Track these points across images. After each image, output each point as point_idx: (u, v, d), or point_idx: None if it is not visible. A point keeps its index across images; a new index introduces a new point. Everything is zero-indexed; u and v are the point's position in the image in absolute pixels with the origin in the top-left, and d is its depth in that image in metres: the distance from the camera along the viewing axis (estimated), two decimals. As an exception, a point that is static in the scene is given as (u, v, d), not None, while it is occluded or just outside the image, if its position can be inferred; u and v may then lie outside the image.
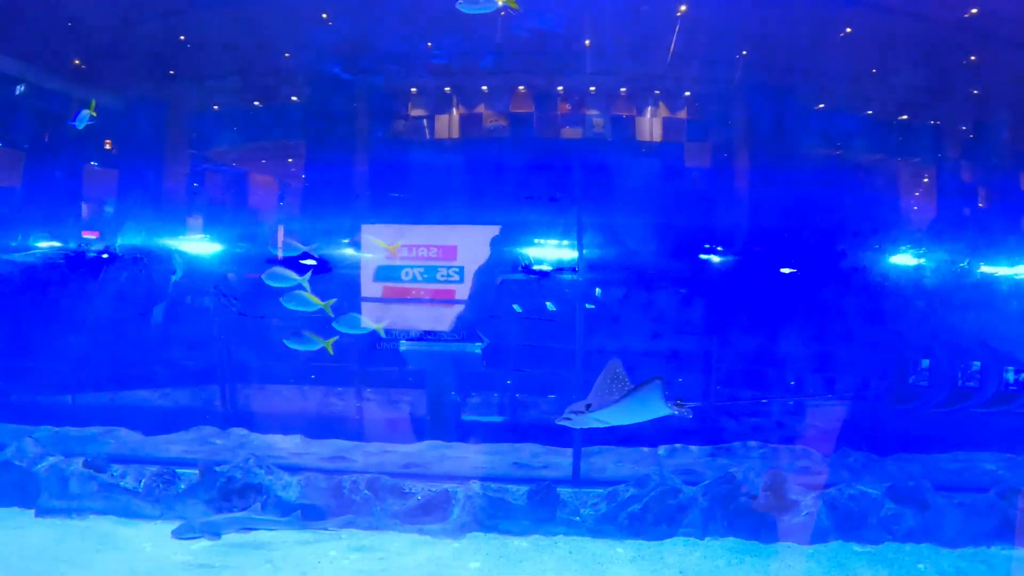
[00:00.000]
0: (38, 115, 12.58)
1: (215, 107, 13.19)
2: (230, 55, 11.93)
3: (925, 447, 9.80)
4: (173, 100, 12.73)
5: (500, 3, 6.91)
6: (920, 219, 12.57)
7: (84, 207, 12.61)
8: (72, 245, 11.62)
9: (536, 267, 11.74)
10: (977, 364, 10.86)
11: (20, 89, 11.97)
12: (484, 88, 13.43)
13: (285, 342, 8.60)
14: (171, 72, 12.59)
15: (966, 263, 11.29)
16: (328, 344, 8.55)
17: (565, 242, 11.83)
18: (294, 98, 13.09)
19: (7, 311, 11.42)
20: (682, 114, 13.20)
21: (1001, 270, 11.30)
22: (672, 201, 13.00)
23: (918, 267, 11.53)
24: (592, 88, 13.37)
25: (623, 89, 13.25)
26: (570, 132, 13.68)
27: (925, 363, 11.12)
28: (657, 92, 13.09)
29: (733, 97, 12.83)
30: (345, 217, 12.20)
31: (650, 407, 5.27)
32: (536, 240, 11.90)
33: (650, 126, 13.36)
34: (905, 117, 12.78)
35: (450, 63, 12.79)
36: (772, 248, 11.88)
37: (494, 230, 11.93)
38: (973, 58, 11.46)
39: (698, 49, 12.07)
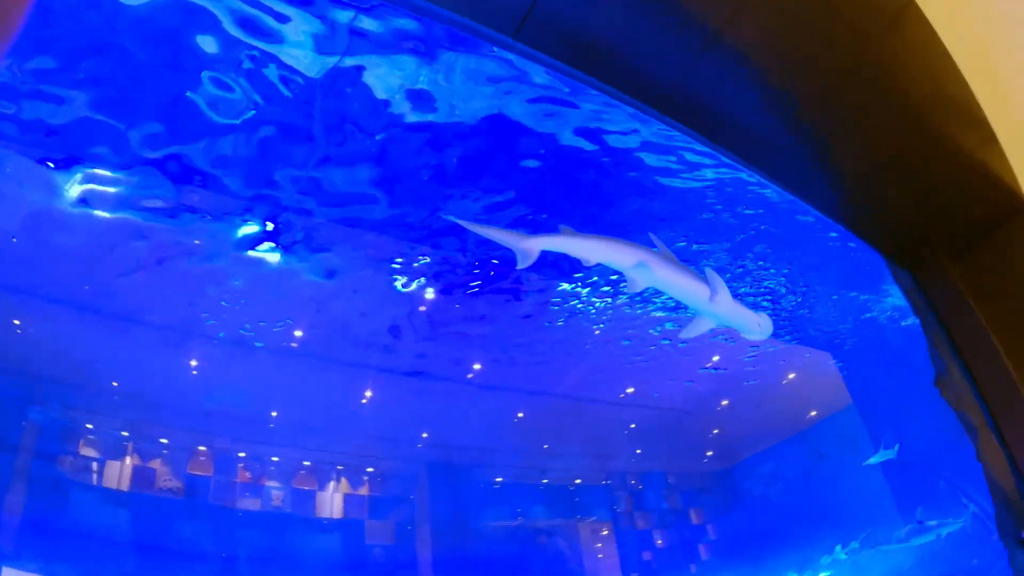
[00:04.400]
0: None
1: None
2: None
3: None
4: None
5: None
6: (606, 570, 13.01)
7: None
8: None
9: None
10: None
11: None
12: (164, 441, 12.69)
13: None
14: None
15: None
16: None
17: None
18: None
19: None
20: (364, 490, 13.17)
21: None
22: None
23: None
24: (275, 458, 13.08)
25: (306, 463, 13.10)
26: (248, 503, 12.99)
27: None
28: (340, 467, 13.08)
29: (414, 475, 13.12)
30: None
31: None
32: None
33: (331, 501, 13.08)
34: (579, 481, 13.79)
35: (133, 408, 12.16)
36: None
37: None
38: (634, 426, 13.03)
39: (381, 430, 12.51)
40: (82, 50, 7.19)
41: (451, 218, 8.31)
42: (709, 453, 14.12)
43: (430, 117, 7.56)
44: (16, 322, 11.39)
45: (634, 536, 13.95)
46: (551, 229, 8.33)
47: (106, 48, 7.07)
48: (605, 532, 13.93)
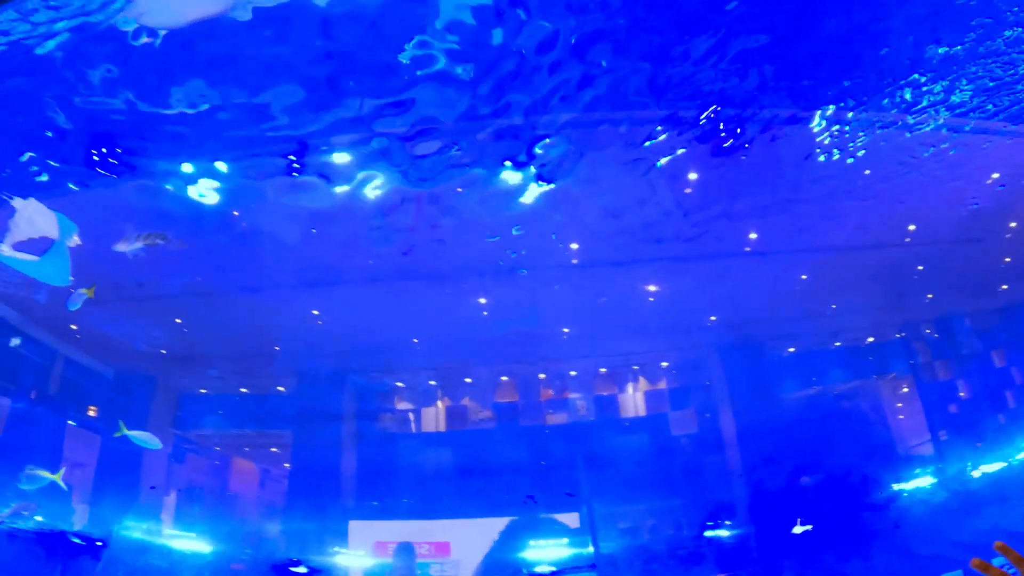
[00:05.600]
0: (30, 368, 12.04)
1: (202, 390, 13.22)
2: (222, 341, 12.24)
3: None
4: (162, 377, 12.74)
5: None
6: (911, 428, 12.63)
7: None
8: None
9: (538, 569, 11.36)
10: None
11: (15, 341, 11.70)
12: (468, 380, 13.84)
13: None
14: (163, 351, 12.64)
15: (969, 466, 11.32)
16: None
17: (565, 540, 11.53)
18: (281, 388, 13.23)
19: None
20: (662, 384, 13.66)
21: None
22: (667, 476, 12.97)
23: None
24: (573, 372, 13.87)
25: (603, 369, 13.78)
26: (555, 418, 13.91)
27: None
28: (636, 367, 13.65)
29: (708, 360, 13.42)
30: (331, 514, 11.87)
31: None
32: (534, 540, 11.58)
33: (633, 401, 13.72)
34: (872, 339, 13.38)
35: (435, 357, 13.34)
36: (778, 504, 11.70)
37: (488, 524, 11.71)
38: (921, 267, 12.34)
39: (669, 323, 12.84)
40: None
41: None
42: (1004, 286, 13.09)
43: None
44: (315, 312, 12.70)
45: (936, 389, 13.35)
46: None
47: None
48: (906, 389, 13.49)
